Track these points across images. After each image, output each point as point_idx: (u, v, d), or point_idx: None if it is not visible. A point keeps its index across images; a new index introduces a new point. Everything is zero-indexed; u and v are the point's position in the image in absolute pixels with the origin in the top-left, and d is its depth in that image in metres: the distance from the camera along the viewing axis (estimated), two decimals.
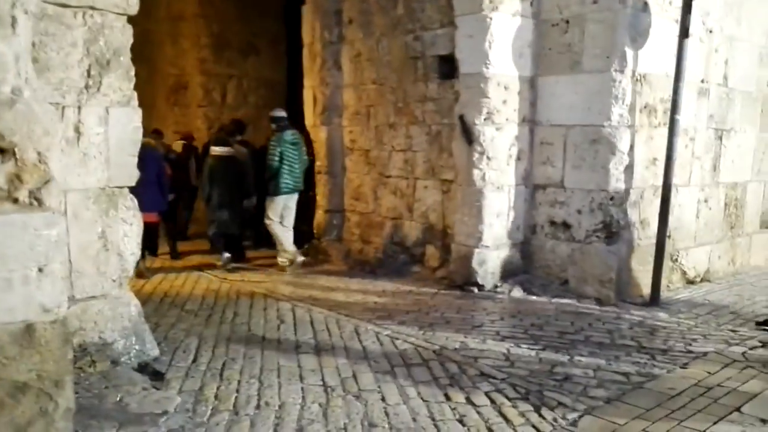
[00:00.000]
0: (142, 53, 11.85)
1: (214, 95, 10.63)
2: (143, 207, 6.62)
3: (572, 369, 3.75)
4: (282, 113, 6.80)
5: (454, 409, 3.16)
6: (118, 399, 2.98)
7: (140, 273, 5.81)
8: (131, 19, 3.40)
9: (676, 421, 3.02)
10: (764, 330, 4.54)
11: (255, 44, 10.73)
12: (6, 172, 2.33)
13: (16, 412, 2.28)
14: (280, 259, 6.63)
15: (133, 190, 3.58)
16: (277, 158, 6.44)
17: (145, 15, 11.72)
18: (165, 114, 10.67)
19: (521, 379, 3.58)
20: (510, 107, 5.68)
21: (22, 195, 2.37)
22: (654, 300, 5.27)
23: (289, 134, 6.65)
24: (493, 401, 3.26)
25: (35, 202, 2.39)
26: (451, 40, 5.85)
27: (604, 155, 5.34)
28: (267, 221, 6.58)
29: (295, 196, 6.65)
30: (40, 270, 2.36)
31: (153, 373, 3.43)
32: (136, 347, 3.55)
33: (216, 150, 6.76)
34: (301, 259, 6.61)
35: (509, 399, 3.28)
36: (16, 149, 2.34)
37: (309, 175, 7.26)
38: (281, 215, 6.58)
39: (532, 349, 4.09)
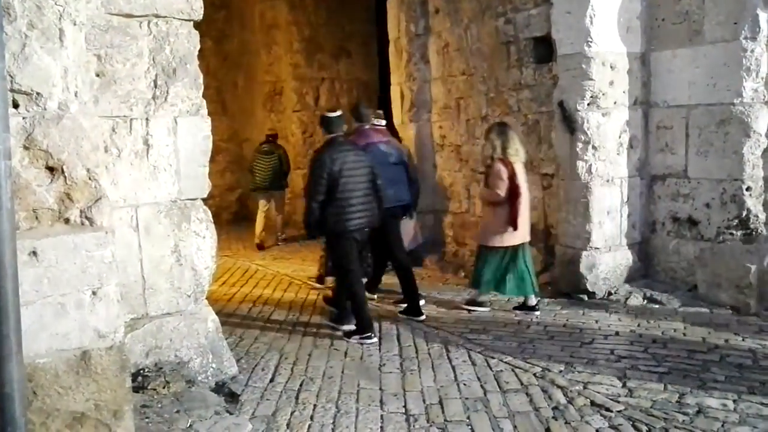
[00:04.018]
0: (240, 63, 12.22)
1: (307, 99, 10.71)
2: None
3: (706, 399, 3.12)
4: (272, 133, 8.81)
5: None
6: (188, 425, 2.83)
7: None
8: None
9: None
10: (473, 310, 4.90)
11: (346, 46, 10.70)
12: (55, 192, 2.23)
13: None
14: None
15: None
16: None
17: (242, 26, 12.06)
18: (263, 120, 10.94)
19: (642, 412, 3.01)
20: (618, 89, 5.05)
21: (73, 215, 2.26)
22: None
23: (264, 146, 8.40)
24: None
25: (86, 222, 2.28)
26: (547, 19, 5.34)
27: (736, 138, 4.59)
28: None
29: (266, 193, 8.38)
30: (93, 293, 2.25)
31: (229, 394, 3.27)
32: (213, 365, 3.41)
33: None
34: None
35: None
36: (64, 167, 2.22)
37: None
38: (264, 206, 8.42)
39: (655, 373, 3.47)
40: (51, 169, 2.23)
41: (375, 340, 4.18)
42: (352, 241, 4.32)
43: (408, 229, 5.76)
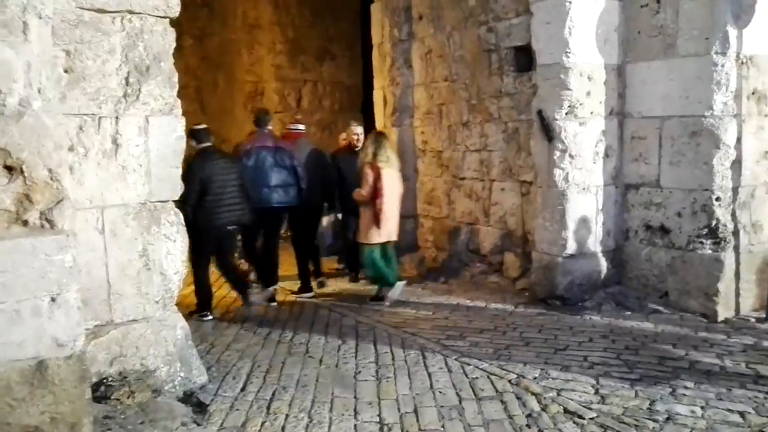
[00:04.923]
0: (221, 62, 12.06)
1: (289, 101, 10.66)
2: None
3: (675, 405, 3.16)
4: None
5: None
6: None
7: None
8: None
9: None
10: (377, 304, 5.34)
11: (330, 49, 10.68)
12: (13, 192, 2.13)
13: None
14: None
15: None
16: None
17: (223, 25, 11.89)
18: (242, 121, 10.81)
19: (614, 419, 3.02)
20: (595, 99, 5.09)
21: (33, 217, 2.16)
22: None
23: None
24: None
25: (47, 224, 2.18)
26: (527, 29, 5.38)
27: (706, 149, 4.65)
28: None
29: None
30: (52, 300, 2.15)
31: (197, 404, 3.18)
32: (181, 374, 3.31)
33: None
34: None
35: None
36: (24, 166, 2.13)
37: None
38: None
39: (627, 380, 3.49)
40: (9, 169, 2.12)
41: (211, 317, 5.01)
42: (214, 238, 4.99)
43: (325, 226, 6.48)
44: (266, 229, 5.64)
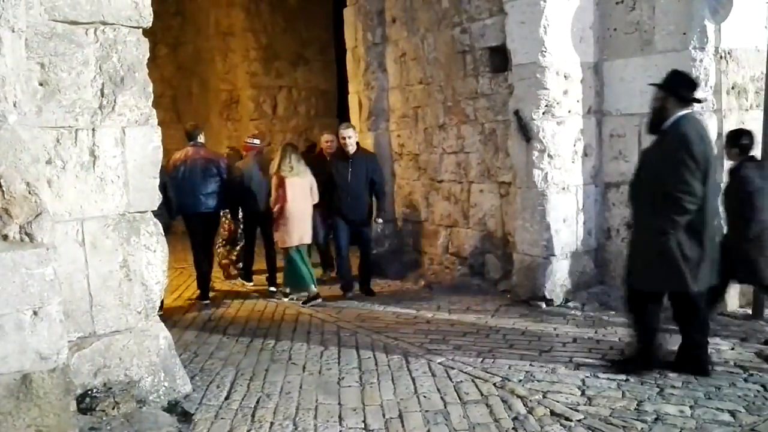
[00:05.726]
0: (195, 70, 11.92)
1: (264, 108, 10.59)
2: None
3: (663, 405, 3.16)
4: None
5: None
6: None
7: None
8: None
9: None
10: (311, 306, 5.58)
11: (304, 54, 10.64)
12: None
13: None
14: None
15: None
16: None
17: (197, 33, 11.77)
18: (219, 129, 10.72)
19: (602, 420, 3.02)
20: (572, 98, 5.14)
21: (12, 231, 2.14)
22: (758, 312, 4.53)
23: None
24: None
25: (26, 238, 2.15)
26: (502, 29, 5.41)
27: None
28: None
29: None
30: (34, 313, 2.13)
31: (181, 414, 3.16)
32: (166, 384, 3.29)
33: None
34: None
35: None
36: (1, 181, 2.09)
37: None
38: None
39: (613, 380, 3.50)
40: None
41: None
42: None
43: None
44: (203, 233, 6.09)
